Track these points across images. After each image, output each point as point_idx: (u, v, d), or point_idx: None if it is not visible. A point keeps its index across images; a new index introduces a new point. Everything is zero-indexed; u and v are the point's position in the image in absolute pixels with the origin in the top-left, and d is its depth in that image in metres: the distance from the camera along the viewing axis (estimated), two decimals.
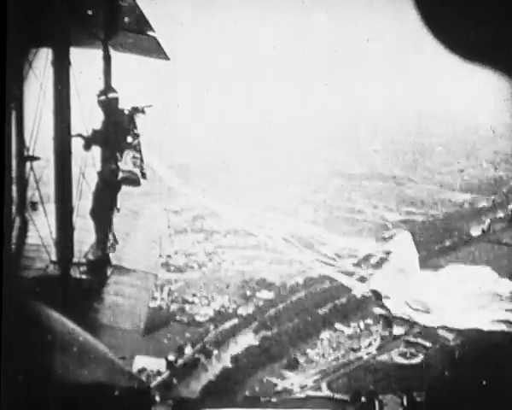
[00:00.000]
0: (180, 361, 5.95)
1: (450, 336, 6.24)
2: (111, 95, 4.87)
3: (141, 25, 4.65)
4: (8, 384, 4.69)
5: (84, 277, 5.01)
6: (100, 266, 5.07)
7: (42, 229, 4.90)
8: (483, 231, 6.89)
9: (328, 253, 6.60)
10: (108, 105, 4.78)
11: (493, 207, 6.92)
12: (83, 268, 5.00)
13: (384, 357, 6.28)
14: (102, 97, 4.84)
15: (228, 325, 6.22)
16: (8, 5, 4.09)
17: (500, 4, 4.81)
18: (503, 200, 6.85)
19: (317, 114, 6.18)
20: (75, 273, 5.01)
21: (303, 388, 6.05)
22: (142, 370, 5.76)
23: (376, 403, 5.91)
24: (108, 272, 5.13)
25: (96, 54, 4.97)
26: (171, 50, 5.04)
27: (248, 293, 6.35)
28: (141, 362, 5.75)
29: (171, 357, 5.96)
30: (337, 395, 6.03)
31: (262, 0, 5.27)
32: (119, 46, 5.04)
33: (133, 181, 5.15)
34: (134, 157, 4.90)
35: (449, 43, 4.82)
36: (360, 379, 6.13)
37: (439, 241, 6.76)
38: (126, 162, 5.00)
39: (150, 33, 4.81)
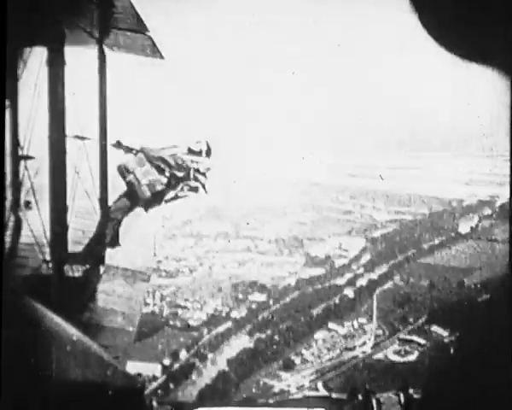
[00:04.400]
0: (176, 366, 6.29)
1: (445, 333, 6.67)
2: (174, 150, 5.22)
3: (136, 24, 5.06)
4: (9, 384, 4.97)
5: (76, 275, 5.35)
6: (94, 262, 5.39)
7: (35, 228, 5.23)
8: (471, 228, 7.25)
9: (318, 254, 7.02)
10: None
11: (480, 204, 7.28)
12: (75, 260, 5.30)
13: (379, 355, 6.69)
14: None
15: (222, 328, 6.59)
16: (8, 4, 4.47)
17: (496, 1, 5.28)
18: (491, 197, 7.19)
19: (304, 115, 6.59)
20: (68, 272, 5.34)
21: (300, 388, 6.43)
22: (138, 375, 6.07)
23: (374, 401, 6.29)
24: (101, 271, 5.48)
25: (91, 53, 5.35)
26: (165, 49, 5.46)
27: (241, 296, 6.72)
28: (136, 367, 6.06)
29: (167, 362, 6.30)
30: (334, 395, 6.40)
31: None
32: (114, 45, 5.44)
33: (132, 195, 5.39)
34: (153, 181, 5.19)
35: (441, 40, 5.27)
36: (356, 378, 6.51)
37: (429, 239, 7.15)
38: (145, 175, 5.30)
39: (145, 32, 5.22)
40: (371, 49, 6.22)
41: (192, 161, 5.40)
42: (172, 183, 5.34)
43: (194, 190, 5.51)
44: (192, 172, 5.48)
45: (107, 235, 5.35)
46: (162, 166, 5.32)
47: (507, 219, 6.67)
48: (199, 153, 5.38)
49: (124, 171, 5.34)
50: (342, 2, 6.18)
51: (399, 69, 6.40)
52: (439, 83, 6.37)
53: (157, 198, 5.38)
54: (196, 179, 5.46)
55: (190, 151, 5.38)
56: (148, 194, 5.34)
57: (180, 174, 5.36)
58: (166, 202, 5.40)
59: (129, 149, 5.24)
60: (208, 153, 5.52)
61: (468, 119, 6.46)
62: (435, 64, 6.08)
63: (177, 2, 5.71)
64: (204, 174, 5.51)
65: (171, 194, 5.41)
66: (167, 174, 5.34)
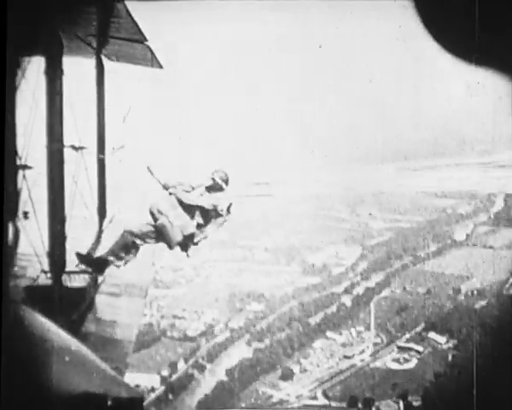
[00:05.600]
0: (174, 377, 6.34)
1: (442, 340, 6.76)
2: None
3: (134, 34, 5.15)
4: (8, 394, 5.01)
5: (74, 285, 5.41)
6: (97, 267, 5.44)
7: (34, 238, 5.29)
8: (467, 235, 7.33)
9: (315, 262, 7.10)
10: None
11: (476, 211, 7.35)
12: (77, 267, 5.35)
13: (378, 363, 6.76)
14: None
15: (220, 338, 6.65)
16: (8, 11, 4.55)
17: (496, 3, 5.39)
18: (485, 204, 7.26)
19: (301, 124, 6.67)
20: (66, 282, 5.41)
21: (299, 397, 6.49)
22: (136, 386, 6.12)
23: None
24: (99, 281, 5.54)
25: (89, 63, 5.43)
26: (163, 60, 5.54)
27: (238, 306, 6.78)
28: (134, 378, 6.11)
29: (165, 373, 6.35)
30: (333, 403, 6.48)
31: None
32: (112, 55, 5.53)
33: (162, 234, 5.48)
34: (185, 223, 5.27)
35: (441, 40, 5.35)
36: (355, 386, 6.58)
37: (425, 247, 7.23)
38: (176, 217, 5.39)
39: (143, 42, 5.31)
40: (370, 49, 6.29)
41: (218, 198, 5.58)
42: (202, 223, 5.49)
43: (221, 225, 5.67)
44: (217, 209, 5.64)
45: (127, 254, 5.41)
46: (193, 209, 5.47)
47: (502, 225, 6.73)
48: (216, 185, 5.53)
49: (156, 212, 5.45)
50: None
51: (396, 73, 6.47)
52: (437, 87, 6.45)
53: (189, 240, 5.54)
54: (219, 215, 5.61)
55: (208, 188, 5.54)
56: (180, 236, 5.48)
57: (208, 214, 5.52)
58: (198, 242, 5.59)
59: (165, 188, 5.40)
60: (226, 181, 5.67)
61: (465, 123, 6.52)
62: (434, 66, 6.15)
63: (178, 11, 5.81)
64: (228, 208, 5.68)
65: (202, 235, 5.58)
66: (197, 217, 5.50)
